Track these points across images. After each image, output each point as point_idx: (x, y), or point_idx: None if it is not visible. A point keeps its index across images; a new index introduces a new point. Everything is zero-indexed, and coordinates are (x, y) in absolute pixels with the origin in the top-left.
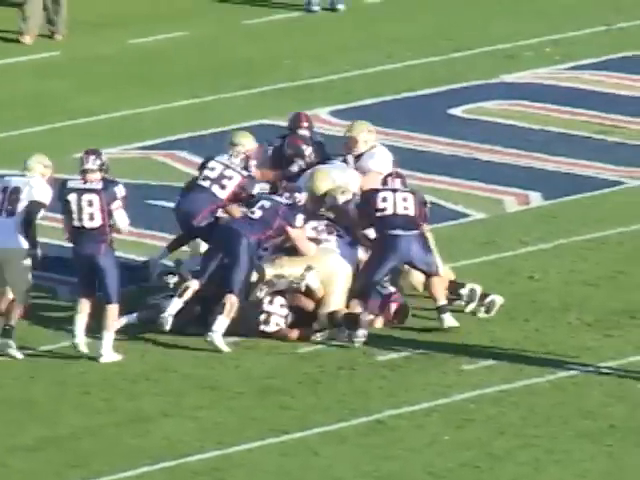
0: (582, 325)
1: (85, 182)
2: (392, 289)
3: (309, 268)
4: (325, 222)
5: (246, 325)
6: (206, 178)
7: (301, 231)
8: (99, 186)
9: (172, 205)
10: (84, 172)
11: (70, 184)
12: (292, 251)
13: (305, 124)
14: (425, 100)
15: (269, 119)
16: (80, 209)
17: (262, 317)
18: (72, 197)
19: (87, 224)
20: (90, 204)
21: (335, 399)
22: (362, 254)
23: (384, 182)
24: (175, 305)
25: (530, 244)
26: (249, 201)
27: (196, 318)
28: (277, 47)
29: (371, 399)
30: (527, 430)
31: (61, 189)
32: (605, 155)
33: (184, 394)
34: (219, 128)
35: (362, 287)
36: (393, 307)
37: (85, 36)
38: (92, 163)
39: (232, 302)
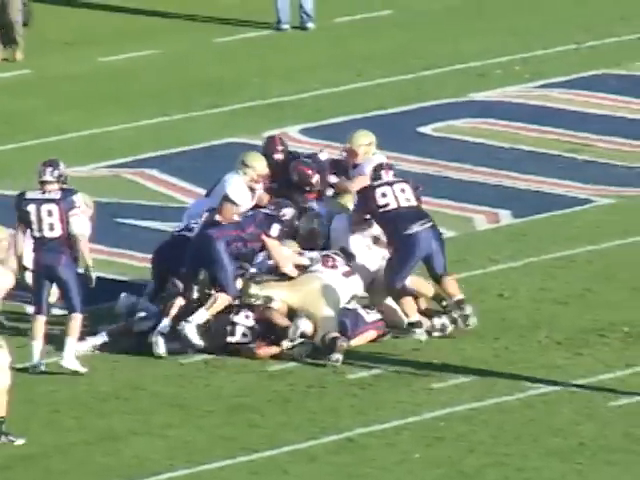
0: (552, 343)
1: (44, 193)
2: (376, 317)
3: (299, 317)
4: (325, 253)
5: (213, 341)
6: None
7: (277, 241)
8: (57, 196)
9: (143, 223)
10: (42, 184)
11: (28, 195)
12: (282, 276)
13: (280, 147)
14: (395, 118)
15: (238, 137)
16: (40, 220)
17: (228, 328)
18: (31, 208)
19: (47, 234)
20: (50, 214)
21: (305, 417)
22: (358, 285)
23: (377, 176)
24: (165, 324)
25: (500, 262)
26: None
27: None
28: (247, 65)
29: (341, 417)
30: (497, 448)
31: (19, 200)
32: (575, 173)
33: (153, 413)
34: (189, 147)
35: (391, 291)
36: (372, 335)
37: (55, 54)
38: (50, 175)
39: (220, 297)
